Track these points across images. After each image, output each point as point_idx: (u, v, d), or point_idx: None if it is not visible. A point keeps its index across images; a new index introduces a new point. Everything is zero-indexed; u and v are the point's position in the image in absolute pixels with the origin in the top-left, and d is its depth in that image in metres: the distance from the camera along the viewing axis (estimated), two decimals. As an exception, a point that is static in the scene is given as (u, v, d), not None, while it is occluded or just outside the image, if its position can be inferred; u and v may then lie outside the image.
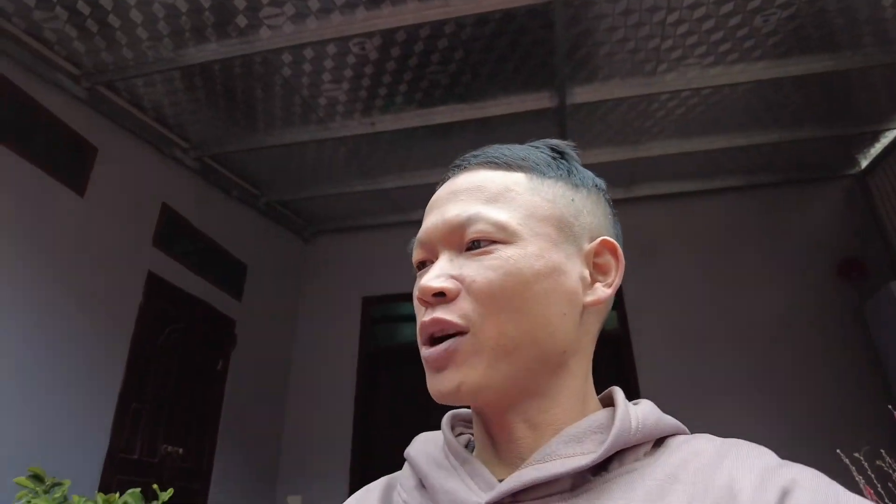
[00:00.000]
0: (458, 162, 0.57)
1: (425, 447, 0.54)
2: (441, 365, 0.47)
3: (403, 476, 0.55)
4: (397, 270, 4.29)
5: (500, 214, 0.49)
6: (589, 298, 0.51)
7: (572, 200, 0.53)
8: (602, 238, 0.54)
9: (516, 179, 0.52)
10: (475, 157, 0.55)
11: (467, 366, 0.46)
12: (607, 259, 0.54)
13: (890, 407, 1.59)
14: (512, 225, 0.49)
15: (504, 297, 0.47)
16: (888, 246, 4.01)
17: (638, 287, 4.58)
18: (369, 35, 2.83)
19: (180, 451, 3.75)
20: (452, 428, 0.57)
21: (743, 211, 4.58)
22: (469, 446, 0.55)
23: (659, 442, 0.48)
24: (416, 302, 0.51)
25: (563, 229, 0.51)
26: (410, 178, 4.30)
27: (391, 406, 4.83)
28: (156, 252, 3.69)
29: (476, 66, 3.15)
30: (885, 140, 3.96)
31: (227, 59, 3.00)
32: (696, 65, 3.12)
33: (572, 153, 0.58)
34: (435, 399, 0.48)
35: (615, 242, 0.54)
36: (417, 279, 0.53)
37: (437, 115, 3.51)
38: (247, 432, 4.37)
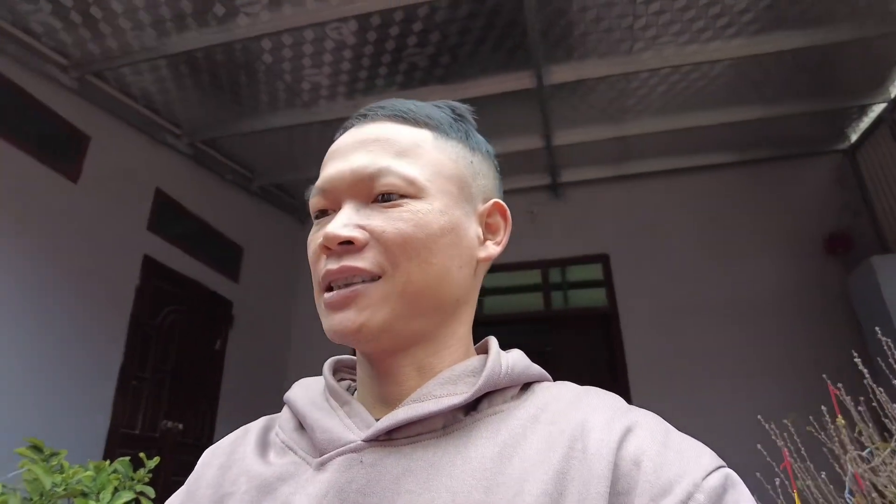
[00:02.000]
0: (363, 111, 0.56)
1: (305, 391, 0.56)
2: (343, 305, 0.48)
3: (282, 418, 0.56)
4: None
5: (410, 170, 0.51)
6: (482, 254, 0.55)
7: (471, 163, 0.56)
8: (494, 200, 0.57)
9: (423, 136, 0.54)
10: (382, 108, 0.56)
11: (372, 309, 0.48)
12: (497, 220, 0.57)
13: (824, 376, 1.66)
14: (421, 180, 0.50)
15: (413, 248, 0.48)
16: (875, 220, 4.02)
17: (628, 264, 4.64)
18: (344, 20, 2.88)
19: (180, 426, 3.92)
20: (335, 373, 0.59)
21: (733, 186, 4.59)
22: (350, 390, 0.57)
23: (526, 387, 0.52)
24: (314, 249, 0.52)
25: (463, 189, 0.54)
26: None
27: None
28: (151, 236, 3.81)
29: (453, 48, 3.19)
30: (872, 114, 3.95)
31: (209, 46, 3.07)
32: (672, 43, 3.13)
33: (470, 117, 0.59)
34: (332, 338, 0.50)
35: (504, 205, 0.58)
36: (315, 227, 0.54)
37: (417, 96, 3.48)
38: (246, 408, 4.54)
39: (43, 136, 3.19)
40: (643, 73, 3.37)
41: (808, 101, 3.77)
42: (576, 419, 0.46)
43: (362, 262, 0.48)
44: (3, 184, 2.93)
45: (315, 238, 0.52)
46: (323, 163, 0.55)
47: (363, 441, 0.47)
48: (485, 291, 4.95)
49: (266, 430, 0.56)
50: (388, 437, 0.47)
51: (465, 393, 0.48)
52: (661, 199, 4.74)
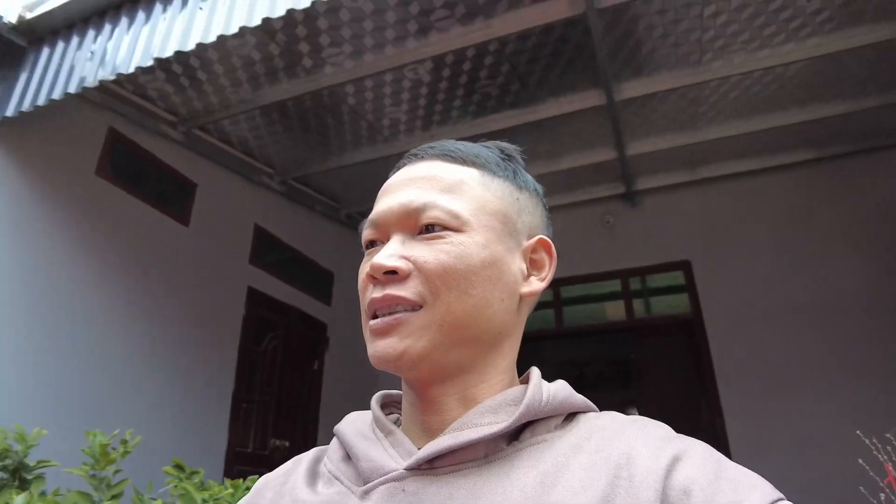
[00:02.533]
0: (414, 151, 0.59)
1: (353, 423, 0.57)
2: (386, 332, 0.50)
3: (331, 449, 0.58)
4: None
5: (453, 204, 0.52)
6: (525, 290, 0.55)
7: (517, 199, 0.57)
8: (539, 237, 0.58)
9: (470, 174, 0.56)
10: (432, 148, 0.58)
11: (413, 337, 0.49)
12: (542, 256, 0.58)
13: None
14: (464, 215, 0.52)
15: (453, 279, 0.50)
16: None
17: (710, 270, 4.58)
18: (420, 62, 3.09)
19: (287, 444, 4.23)
20: (384, 407, 0.61)
21: (813, 184, 4.45)
22: (397, 423, 0.58)
23: (570, 417, 0.52)
24: (363, 278, 0.54)
25: (507, 224, 0.55)
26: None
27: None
28: (253, 269, 4.17)
29: (523, 75, 3.33)
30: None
31: (299, 95, 3.36)
32: (741, 50, 3.13)
33: (518, 157, 0.61)
34: (375, 364, 0.51)
35: (550, 241, 0.59)
36: (366, 257, 0.56)
37: (491, 122, 3.72)
38: (343, 425, 4.81)
39: (158, 186, 3.59)
40: (713, 82, 3.38)
41: (889, 93, 3.63)
42: (621, 448, 0.46)
43: (404, 291, 0.50)
44: (126, 231, 3.33)
45: (364, 268, 0.55)
46: (376, 199, 0.58)
47: (405, 469, 0.48)
48: (565, 302, 5.02)
49: (316, 461, 0.58)
50: (430, 466, 0.48)
51: (506, 421, 0.48)
52: (739, 202, 4.65)
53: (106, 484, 2.15)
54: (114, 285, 3.20)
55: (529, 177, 0.61)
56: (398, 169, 0.60)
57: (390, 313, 0.50)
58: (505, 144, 0.61)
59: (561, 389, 0.53)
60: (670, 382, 4.65)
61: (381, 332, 0.50)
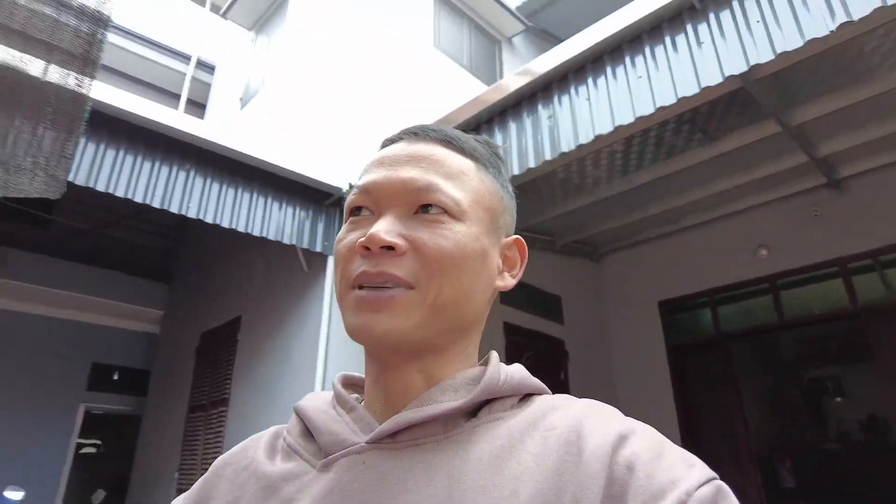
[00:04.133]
0: (414, 129, 0.61)
1: (315, 401, 0.60)
2: (376, 307, 0.51)
3: (290, 424, 0.60)
4: (683, 273, 5.20)
5: (456, 192, 0.55)
6: (500, 283, 0.60)
7: (502, 198, 0.62)
8: (516, 237, 0.63)
9: (469, 165, 0.59)
10: (434, 131, 0.60)
11: (402, 317, 0.51)
12: (515, 254, 0.62)
13: None
14: (464, 204, 0.56)
15: (448, 265, 0.53)
16: None
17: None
18: (614, 142, 3.91)
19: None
20: (345, 387, 0.62)
21: None
22: (358, 402, 0.59)
23: (526, 399, 0.56)
24: (347, 245, 0.55)
25: (494, 220, 0.59)
26: (669, 202, 5.17)
27: (702, 390, 5.66)
28: (505, 307, 5.33)
29: (704, 125, 3.94)
30: None
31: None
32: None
33: (502, 157, 0.65)
34: (355, 336, 0.53)
35: (524, 242, 0.63)
36: (349, 224, 0.57)
37: (680, 161, 4.37)
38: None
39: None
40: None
41: None
42: (571, 425, 0.49)
43: (399, 270, 0.52)
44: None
45: (351, 236, 0.55)
46: (369, 165, 0.59)
47: (366, 443, 0.51)
48: (783, 290, 5.31)
49: (275, 437, 0.60)
50: (392, 440, 0.51)
51: (464, 398, 0.52)
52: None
53: None
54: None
55: (507, 176, 0.65)
56: (392, 142, 0.61)
57: (379, 288, 0.52)
58: (493, 142, 0.64)
59: (517, 371, 0.56)
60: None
61: (370, 307, 0.51)
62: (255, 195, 3.91)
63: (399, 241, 0.52)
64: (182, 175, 3.53)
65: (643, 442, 0.47)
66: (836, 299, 5.06)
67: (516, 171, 3.18)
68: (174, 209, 3.41)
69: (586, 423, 0.49)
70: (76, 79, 1.57)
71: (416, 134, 0.60)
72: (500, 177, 0.63)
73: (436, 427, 0.51)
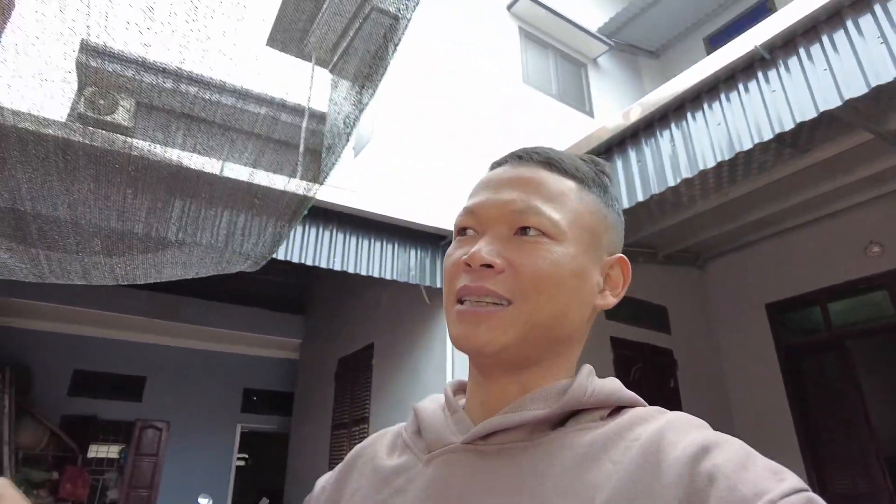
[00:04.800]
0: (518, 153, 0.64)
1: (429, 403, 0.66)
2: (476, 320, 0.56)
3: (408, 423, 0.67)
4: (790, 274, 5.27)
5: (554, 214, 0.58)
6: (599, 302, 0.62)
7: (605, 217, 0.63)
8: (619, 255, 0.64)
9: (569, 186, 0.61)
10: (536, 153, 0.63)
11: (500, 329, 0.55)
12: (618, 273, 0.64)
13: None
14: (562, 225, 0.58)
15: (544, 284, 0.56)
16: None
17: None
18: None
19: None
20: (456, 392, 0.67)
21: None
22: (464, 407, 0.64)
23: (617, 411, 0.57)
24: (454, 262, 0.60)
25: (594, 239, 0.61)
26: (768, 208, 5.28)
27: (818, 392, 5.63)
28: (611, 322, 5.66)
29: (794, 142, 4.11)
30: None
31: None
32: None
33: (610, 175, 0.67)
34: (460, 346, 0.58)
35: (627, 261, 0.64)
36: (456, 243, 0.62)
37: (771, 174, 4.53)
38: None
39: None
40: None
41: None
42: (654, 436, 0.50)
43: (497, 286, 0.56)
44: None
45: (456, 253, 0.60)
46: (476, 188, 0.65)
47: (460, 444, 0.56)
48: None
49: (397, 435, 0.67)
50: (483, 442, 0.56)
51: (550, 408, 0.55)
52: None
53: None
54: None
55: (614, 195, 0.66)
56: (499, 165, 0.66)
57: (478, 302, 0.56)
58: (600, 161, 0.67)
59: (608, 384, 0.58)
60: None
61: (471, 320, 0.56)
62: (381, 243, 4.57)
63: (497, 260, 0.56)
64: (326, 234, 4.27)
65: (727, 453, 0.46)
66: (959, 295, 4.94)
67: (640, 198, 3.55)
68: (323, 264, 4.13)
69: (668, 434, 0.49)
70: (306, 187, 2.15)
71: (521, 157, 0.64)
72: (605, 196, 0.65)
73: (523, 433, 0.55)
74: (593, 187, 0.63)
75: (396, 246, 4.67)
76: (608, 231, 0.63)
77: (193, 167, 2.12)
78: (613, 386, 0.59)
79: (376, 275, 4.47)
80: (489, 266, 0.56)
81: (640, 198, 3.58)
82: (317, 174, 2.12)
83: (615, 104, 7.45)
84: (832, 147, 4.21)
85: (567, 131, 6.43)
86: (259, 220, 2.46)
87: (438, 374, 4.69)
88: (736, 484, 0.42)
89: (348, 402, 6.12)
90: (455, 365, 4.62)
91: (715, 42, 7.60)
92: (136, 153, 1.97)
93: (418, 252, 4.76)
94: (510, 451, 0.54)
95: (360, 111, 1.87)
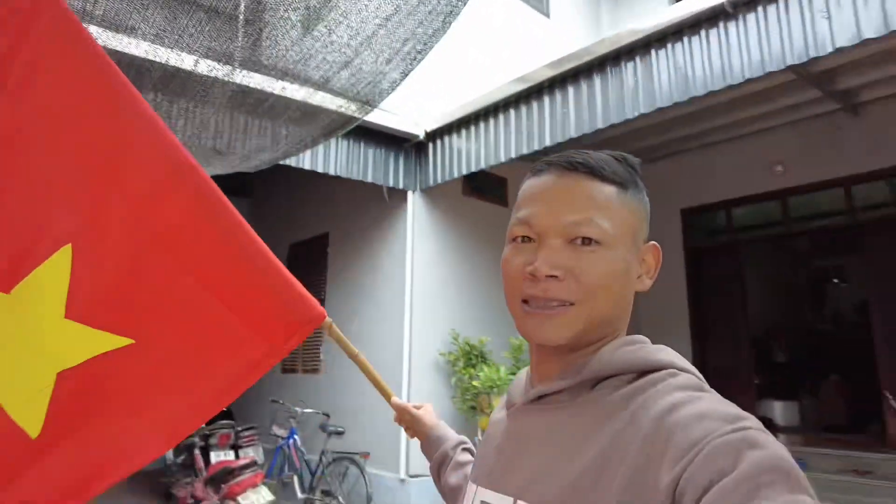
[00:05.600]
0: (563, 163, 0.70)
1: (522, 373, 0.83)
2: (548, 317, 0.66)
3: (512, 386, 0.84)
4: (706, 186, 5.97)
5: (606, 223, 0.66)
6: (639, 287, 0.72)
7: (640, 212, 0.72)
8: (653, 243, 0.74)
9: (612, 193, 0.69)
10: (580, 163, 0.69)
11: (566, 327, 0.66)
12: (651, 258, 0.73)
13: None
14: (612, 232, 0.67)
15: (600, 286, 0.66)
16: None
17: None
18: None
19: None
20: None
21: None
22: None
23: (644, 375, 0.66)
24: (517, 268, 0.69)
25: (635, 236, 0.70)
26: (698, 126, 5.83)
27: (713, 287, 6.64)
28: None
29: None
30: None
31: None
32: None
33: (639, 171, 0.74)
34: (530, 338, 0.70)
35: (659, 247, 0.74)
36: (515, 248, 0.71)
37: (704, 101, 5.00)
38: None
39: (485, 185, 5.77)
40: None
41: None
42: (647, 398, 0.61)
43: (562, 293, 0.66)
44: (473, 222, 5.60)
45: (516, 260, 0.69)
46: (527, 197, 0.72)
47: (521, 404, 0.75)
48: (794, 210, 6.13)
49: (518, 384, 0.83)
50: (537, 402, 0.72)
51: (573, 379, 0.68)
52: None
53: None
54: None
55: (643, 186, 0.74)
56: (544, 171, 0.72)
57: (545, 305, 0.66)
58: (629, 157, 0.73)
59: (631, 353, 0.68)
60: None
61: (540, 319, 0.67)
62: (342, 141, 4.69)
63: (558, 273, 0.65)
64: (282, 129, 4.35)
65: (690, 409, 0.55)
66: (839, 205, 5.89)
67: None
68: (280, 160, 4.26)
69: (656, 396, 0.60)
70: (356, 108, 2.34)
71: (565, 168, 0.69)
72: (638, 192, 0.72)
73: (566, 395, 0.69)
74: (630, 187, 0.71)
75: (363, 146, 4.83)
76: (642, 223, 0.72)
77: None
78: (637, 354, 0.68)
79: (333, 173, 4.65)
80: (553, 277, 0.66)
81: (600, 125, 3.94)
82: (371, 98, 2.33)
83: (573, 7, 7.51)
84: (762, 82, 4.67)
85: (525, 33, 6.52)
86: (299, 130, 2.65)
87: (398, 265, 5.14)
88: (690, 432, 0.53)
89: (303, 285, 6.48)
90: (415, 256, 5.06)
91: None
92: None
93: (382, 153, 4.97)
94: (554, 409, 0.70)
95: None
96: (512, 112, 4.56)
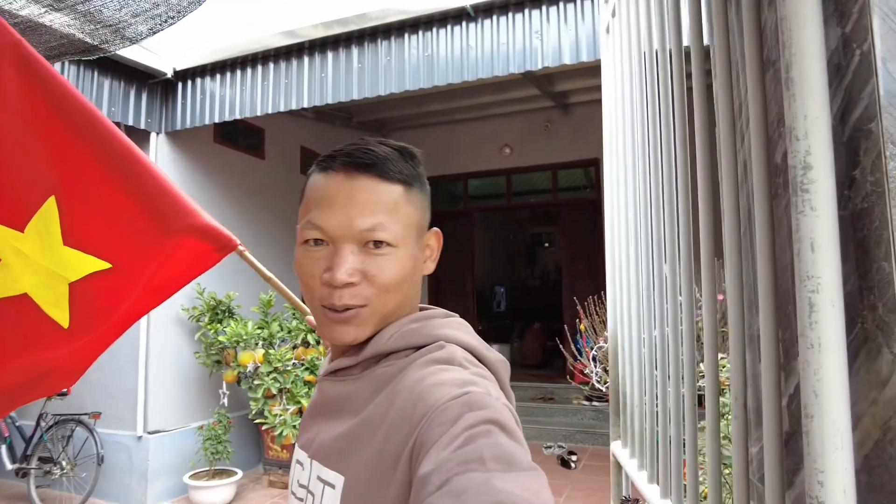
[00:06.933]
0: (350, 161, 0.70)
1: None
2: (344, 322, 0.70)
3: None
4: (449, 157, 6.65)
5: (394, 226, 0.70)
6: (425, 271, 0.78)
7: (423, 203, 0.75)
8: (435, 230, 0.79)
9: (399, 193, 0.71)
10: (368, 165, 0.70)
11: (361, 327, 0.71)
12: (433, 243, 0.79)
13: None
14: (400, 234, 0.70)
15: (393, 285, 0.70)
16: None
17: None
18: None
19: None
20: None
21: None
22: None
23: (420, 349, 0.71)
24: (311, 274, 0.70)
25: (420, 230, 0.74)
26: (448, 104, 6.49)
27: (449, 249, 7.58)
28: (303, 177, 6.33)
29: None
30: None
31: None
32: None
33: (422, 161, 0.76)
34: (334, 342, 0.73)
35: (440, 232, 0.79)
36: (308, 251, 0.71)
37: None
38: None
39: (244, 137, 5.62)
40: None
41: None
42: (407, 372, 0.68)
43: (356, 299, 0.69)
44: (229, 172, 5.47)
45: (314, 267, 0.70)
46: (316, 199, 0.71)
47: (322, 376, 0.80)
48: (516, 190, 7.25)
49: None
50: (334, 376, 0.77)
51: (356, 358, 0.73)
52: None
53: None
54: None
55: (425, 175, 0.77)
56: (331, 170, 0.71)
57: (342, 311, 0.69)
58: (411, 148, 0.76)
59: (411, 331, 0.72)
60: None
61: (339, 322, 0.70)
62: (74, 68, 4.16)
63: (355, 279, 0.68)
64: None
65: (432, 379, 0.63)
66: (547, 184, 7.19)
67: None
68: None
69: (411, 371, 0.67)
70: None
71: (353, 168, 0.70)
72: (421, 183, 0.75)
73: (357, 370, 0.74)
74: (414, 183, 0.73)
75: (96, 75, 4.29)
76: (426, 213, 0.76)
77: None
78: (416, 332, 0.72)
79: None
80: (350, 284, 0.68)
81: (355, 96, 4.18)
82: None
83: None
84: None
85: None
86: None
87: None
88: (427, 399, 0.60)
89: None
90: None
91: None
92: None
93: (122, 86, 4.48)
94: (345, 381, 0.75)
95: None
96: (272, 65, 4.50)
